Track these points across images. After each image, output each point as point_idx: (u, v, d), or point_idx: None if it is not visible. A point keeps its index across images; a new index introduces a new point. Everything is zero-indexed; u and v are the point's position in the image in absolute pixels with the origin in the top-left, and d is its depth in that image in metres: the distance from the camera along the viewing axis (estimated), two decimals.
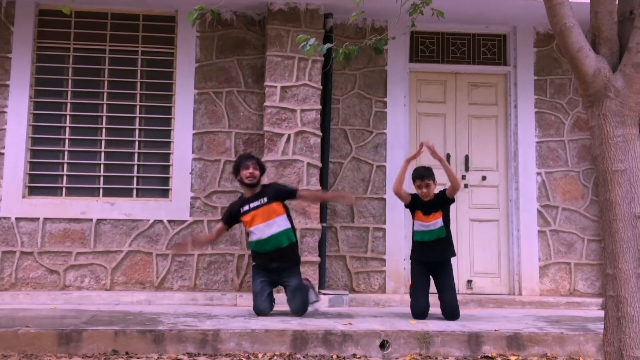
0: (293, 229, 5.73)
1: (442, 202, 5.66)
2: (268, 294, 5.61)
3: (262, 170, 5.79)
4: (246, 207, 5.64)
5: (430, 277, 5.71)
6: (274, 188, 5.76)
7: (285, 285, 5.68)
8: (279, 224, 5.59)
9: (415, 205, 5.71)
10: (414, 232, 5.78)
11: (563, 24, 3.34)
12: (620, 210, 3.24)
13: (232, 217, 5.75)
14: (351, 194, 5.87)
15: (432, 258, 5.65)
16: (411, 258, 5.82)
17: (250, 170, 5.62)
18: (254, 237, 5.63)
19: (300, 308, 5.52)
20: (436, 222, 5.62)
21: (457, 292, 5.72)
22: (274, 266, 5.60)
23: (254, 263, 5.75)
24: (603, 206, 3.32)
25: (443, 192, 5.70)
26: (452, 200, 5.70)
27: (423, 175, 5.64)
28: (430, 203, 5.64)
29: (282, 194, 5.70)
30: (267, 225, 5.57)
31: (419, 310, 5.54)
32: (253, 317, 5.42)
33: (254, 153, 6.23)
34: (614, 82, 3.30)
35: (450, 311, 5.50)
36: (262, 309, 5.51)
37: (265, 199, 5.62)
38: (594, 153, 3.38)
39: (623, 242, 3.21)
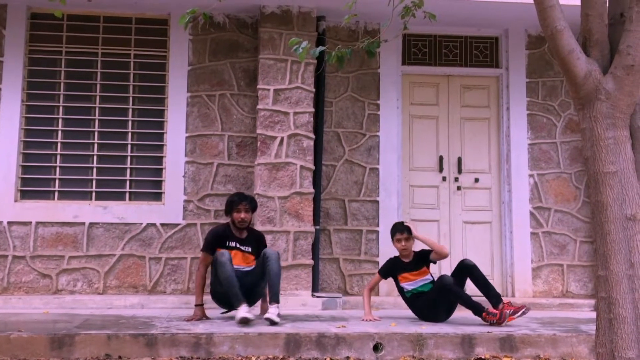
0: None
1: (425, 261, 5.68)
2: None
3: (254, 210, 5.76)
4: (233, 244, 5.56)
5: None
6: (258, 241, 5.68)
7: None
8: (252, 269, 5.53)
9: (396, 270, 5.71)
10: (402, 293, 5.71)
11: (554, 26, 3.36)
12: (612, 212, 3.25)
13: (216, 245, 5.53)
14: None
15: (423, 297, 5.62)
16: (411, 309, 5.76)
17: (242, 215, 5.53)
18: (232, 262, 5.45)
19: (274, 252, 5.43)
20: (425, 278, 5.64)
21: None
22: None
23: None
24: (594, 208, 3.33)
25: (426, 253, 5.69)
26: (433, 262, 5.74)
27: (402, 229, 5.66)
28: (412, 263, 5.66)
29: (259, 250, 5.60)
30: (243, 271, 5.45)
31: None
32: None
33: (246, 192, 6.12)
34: (605, 85, 3.32)
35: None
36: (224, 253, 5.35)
37: (250, 249, 5.59)
38: (585, 155, 3.40)
39: (614, 244, 3.23)
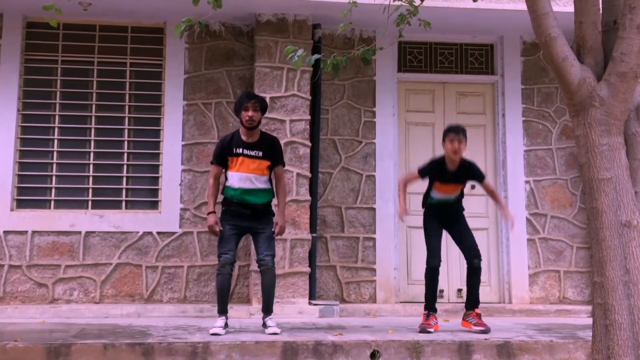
0: (272, 189, 5.42)
1: (469, 178, 5.60)
2: (236, 244, 5.33)
3: (264, 111, 5.44)
4: (240, 150, 5.29)
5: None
6: (271, 147, 5.40)
7: (257, 233, 5.34)
8: (262, 181, 5.30)
9: (436, 175, 5.56)
10: (429, 196, 5.64)
11: (548, 34, 3.38)
12: (607, 218, 3.26)
13: (223, 154, 5.33)
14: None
15: (448, 213, 5.61)
16: (426, 214, 5.71)
17: (250, 113, 5.25)
18: (233, 184, 5.28)
19: (273, 254, 5.31)
20: (456, 192, 5.60)
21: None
22: (246, 215, 5.27)
23: (223, 209, 5.36)
24: (590, 214, 3.34)
25: (475, 171, 5.57)
26: (480, 180, 5.62)
27: (457, 130, 5.47)
28: (455, 174, 5.51)
29: (275, 158, 5.38)
30: (252, 179, 5.25)
31: (435, 254, 5.54)
32: (243, 328, 5.40)
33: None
34: (599, 91, 3.34)
35: (474, 252, 5.55)
36: (225, 260, 5.25)
37: (260, 154, 5.30)
38: (580, 161, 3.41)
39: (610, 250, 3.23)
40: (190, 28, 4.12)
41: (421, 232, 7.03)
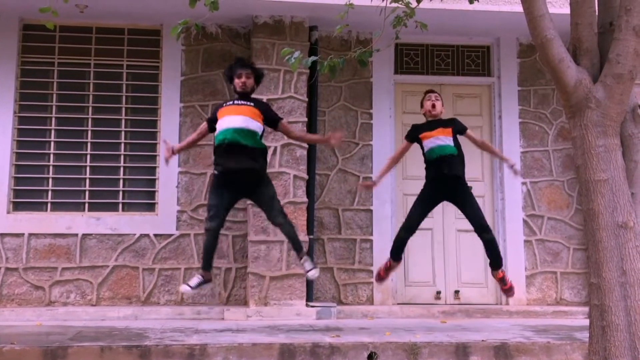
0: (263, 144, 5.28)
1: (450, 125, 5.51)
2: (224, 210, 5.19)
3: (258, 78, 5.40)
4: (230, 102, 5.30)
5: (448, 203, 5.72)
6: (263, 104, 5.44)
7: (258, 197, 5.26)
8: (253, 124, 5.16)
9: (418, 131, 5.56)
10: (425, 156, 5.53)
11: (544, 36, 3.39)
12: (603, 219, 3.27)
13: (214, 114, 5.32)
14: (338, 133, 5.37)
15: (449, 171, 5.40)
16: (424, 185, 5.62)
17: (243, 79, 5.25)
18: (222, 125, 5.14)
19: (284, 216, 5.24)
20: (447, 137, 5.44)
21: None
22: (237, 169, 5.08)
23: (214, 172, 5.25)
24: (586, 215, 3.35)
25: (459, 124, 5.55)
26: (462, 132, 5.53)
27: (433, 90, 5.71)
28: (436, 122, 5.53)
29: (267, 112, 5.30)
30: (241, 119, 5.12)
31: (407, 224, 5.55)
32: (241, 330, 5.40)
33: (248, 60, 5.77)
34: (595, 93, 3.35)
35: (482, 228, 5.48)
36: (211, 227, 5.13)
37: (252, 104, 5.24)
38: (576, 163, 3.42)
39: (606, 251, 3.24)
40: (187, 30, 4.13)
41: (418, 234, 7.05)
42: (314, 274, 5.24)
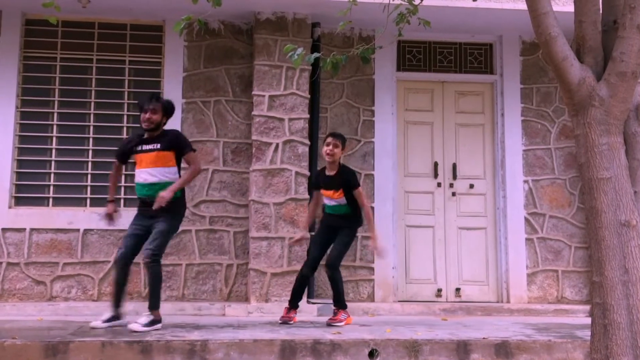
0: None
1: (344, 187, 5.66)
2: (134, 244, 5.27)
3: (167, 112, 5.36)
4: (139, 148, 5.30)
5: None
6: (173, 137, 5.35)
7: (153, 229, 5.26)
8: (163, 174, 5.22)
9: (319, 182, 5.83)
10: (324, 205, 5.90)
11: (548, 33, 3.38)
12: (606, 217, 3.26)
13: (124, 153, 5.43)
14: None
15: (336, 224, 5.76)
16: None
17: (148, 115, 5.24)
18: (137, 180, 5.32)
19: (155, 251, 5.20)
20: (340, 200, 5.69)
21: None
22: (149, 212, 5.19)
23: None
24: (589, 214, 3.34)
25: (352, 180, 5.68)
26: (352, 186, 5.68)
27: (336, 135, 5.79)
28: (333, 181, 5.69)
29: (177, 147, 5.30)
30: (149, 173, 5.22)
31: (309, 257, 5.80)
32: (242, 327, 5.40)
33: (159, 97, 5.68)
34: (599, 91, 3.34)
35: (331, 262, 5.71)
36: (118, 256, 5.27)
37: (159, 145, 5.24)
38: (579, 161, 3.41)
39: (609, 250, 3.24)
40: (189, 26, 4.11)
41: (420, 231, 7.10)
42: (134, 327, 5.00)
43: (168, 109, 5.40)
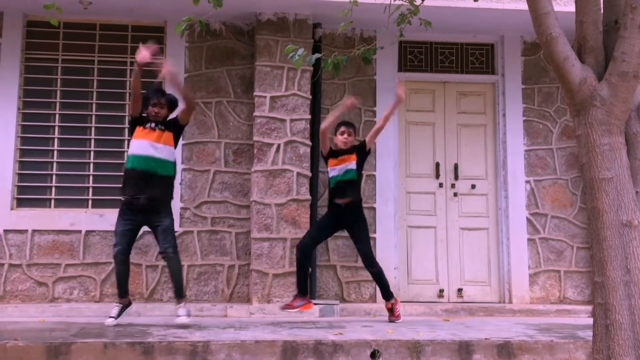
0: (174, 165, 5.63)
1: (357, 149, 5.93)
2: (129, 238, 5.53)
3: (172, 107, 5.66)
4: (147, 125, 5.52)
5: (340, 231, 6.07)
6: (173, 121, 5.64)
7: (155, 226, 5.53)
8: (163, 151, 5.50)
9: (329, 157, 6.01)
10: (329, 181, 6.01)
11: (549, 33, 3.37)
12: (608, 218, 3.26)
13: (143, 105, 5.60)
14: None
15: (345, 196, 5.84)
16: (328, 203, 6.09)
17: (157, 110, 5.54)
18: (131, 151, 5.52)
19: (173, 245, 5.51)
20: (349, 163, 5.86)
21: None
22: (142, 201, 5.43)
23: (122, 198, 5.57)
24: (591, 214, 3.34)
25: (362, 142, 6.02)
26: (368, 152, 6.01)
27: (347, 123, 6.04)
28: (344, 150, 5.94)
29: (175, 126, 5.60)
30: (154, 147, 5.46)
31: (302, 242, 5.85)
32: (244, 328, 5.40)
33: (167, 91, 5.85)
34: (600, 91, 3.33)
35: (367, 261, 5.86)
36: (117, 251, 5.50)
37: (163, 127, 5.54)
38: (581, 161, 3.40)
39: (611, 250, 3.23)
40: (190, 27, 4.11)
41: (421, 232, 7.09)
42: (183, 320, 5.39)
43: (173, 103, 5.69)
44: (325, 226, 6.02)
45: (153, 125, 5.53)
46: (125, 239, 5.51)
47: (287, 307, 5.77)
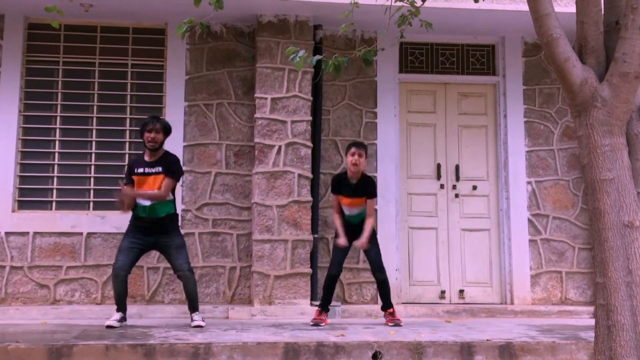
0: (174, 201, 5.74)
1: (365, 194, 5.83)
2: (134, 256, 5.60)
3: (166, 132, 5.73)
4: (140, 170, 5.63)
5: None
6: (171, 163, 5.68)
7: (166, 246, 5.63)
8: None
9: (340, 188, 5.89)
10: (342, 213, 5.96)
11: (550, 34, 3.38)
12: (609, 219, 3.25)
13: (129, 174, 5.72)
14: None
15: (358, 233, 5.82)
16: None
17: (152, 135, 5.60)
18: (138, 201, 5.62)
19: (188, 262, 5.64)
20: (360, 208, 5.83)
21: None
22: (150, 229, 5.59)
23: (129, 224, 5.72)
24: (592, 215, 3.34)
25: (371, 187, 5.90)
26: (370, 196, 5.89)
27: (359, 145, 5.91)
28: (355, 187, 5.82)
29: (171, 170, 5.64)
30: (142, 206, 5.58)
31: (331, 272, 5.86)
32: (245, 329, 5.40)
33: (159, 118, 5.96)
34: (601, 92, 3.33)
35: (377, 267, 5.87)
36: (119, 266, 5.52)
37: (160, 169, 5.61)
38: (582, 162, 3.40)
39: (612, 251, 3.23)
40: (191, 29, 4.12)
41: (423, 233, 7.09)
42: (199, 323, 5.56)
43: (167, 129, 5.76)
44: (343, 252, 5.95)
45: (147, 170, 5.61)
46: (130, 256, 5.56)
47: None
